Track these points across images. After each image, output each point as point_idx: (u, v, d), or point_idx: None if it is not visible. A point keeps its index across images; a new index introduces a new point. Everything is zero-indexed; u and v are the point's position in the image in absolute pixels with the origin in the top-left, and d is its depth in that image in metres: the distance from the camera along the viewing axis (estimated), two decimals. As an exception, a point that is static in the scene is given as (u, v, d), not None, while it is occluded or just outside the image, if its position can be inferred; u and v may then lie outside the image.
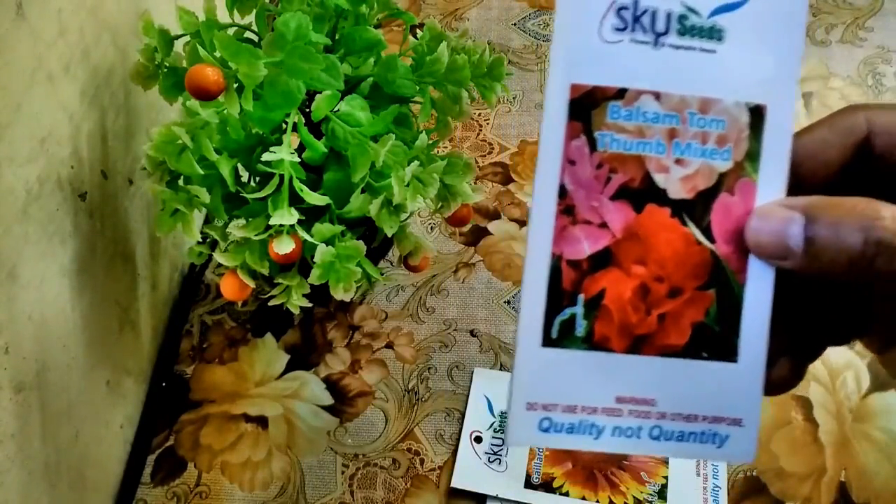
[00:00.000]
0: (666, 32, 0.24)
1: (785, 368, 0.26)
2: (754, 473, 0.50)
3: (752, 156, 0.25)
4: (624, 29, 0.24)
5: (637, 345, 0.25)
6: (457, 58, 0.44)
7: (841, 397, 0.53)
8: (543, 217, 0.25)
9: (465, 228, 0.62)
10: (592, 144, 0.25)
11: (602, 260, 0.25)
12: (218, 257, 0.44)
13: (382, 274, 0.49)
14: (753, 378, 0.26)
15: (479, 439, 0.51)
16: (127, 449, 0.52)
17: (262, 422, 0.53)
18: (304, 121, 0.43)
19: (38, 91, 0.39)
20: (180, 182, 0.44)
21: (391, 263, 0.61)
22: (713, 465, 0.50)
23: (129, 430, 0.52)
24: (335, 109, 0.42)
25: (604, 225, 0.25)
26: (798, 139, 0.26)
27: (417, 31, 0.47)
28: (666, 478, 0.49)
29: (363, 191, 0.43)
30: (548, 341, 0.25)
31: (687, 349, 0.25)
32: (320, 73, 0.40)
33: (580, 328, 0.25)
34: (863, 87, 0.71)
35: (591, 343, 0.25)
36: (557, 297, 0.25)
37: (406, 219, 0.45)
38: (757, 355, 0.25)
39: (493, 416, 0.53)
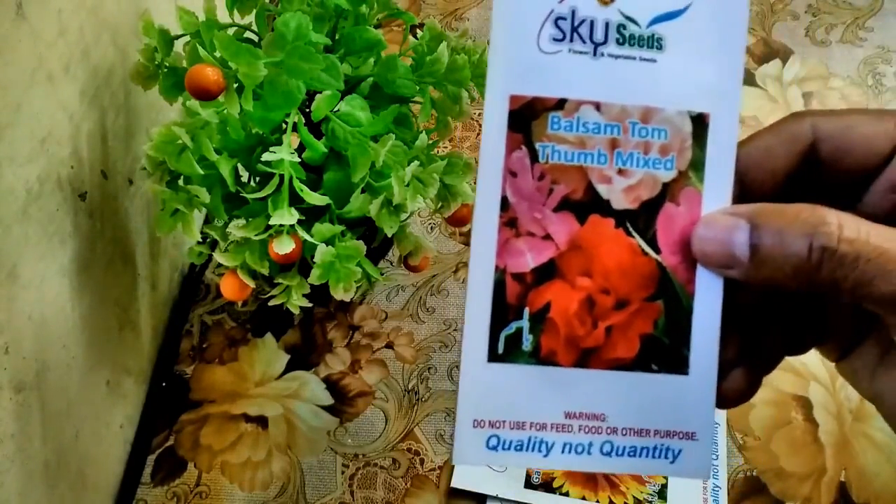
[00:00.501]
0: (605, 42, 0.24)
1: (739, 380, 0.26)
2: (754, 473, 0.50)
3: (697, 165, 0.25)
4: (562, 39, 0.24)
5: (585, 358, 0.25)
6: (457, 58, 0.44)
7: (841, 398, 0.53)
8: (486, 230, 0.24)
9: (465, 228, 0.62)
10: (534, 156, 0.24)
11: (547, 272, 0.25)
12: (218, 257, 0.44)
13: (382, 274, 0.49)
14: (705, 390, 0.25)
15: None
16: (127, 449, 0.52)
17: (262, 422, 0.53)
18: (304, 121, 0.43)
19: (38, 91, 0.39)
20: (180, 182, 0.44)
21: (391, 263, 0.61)
22: (713, 464, 0.50)
23: (129, 430, 0.52)
24: (335, 109, 0.42)
25: (548, 237, 0.25)
26: (743, 147, 0.25)
27: (417, 31, 0.47)
28: (666, 478, 0.49)
29: (363, 191, 0.43)
30: (494, 356, 0.24)
31: (636, 362, 0.25)
32: (320, 73, 0.40)
33: (526, 342, 0.24)
34: (863, 87, 0.71)
35: (538, 357, 0.25)
36: (502, 311, 0.24)
37: (406, 219, 0.45)
38: (708, 367, 0.25)
39: None
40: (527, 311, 0.25)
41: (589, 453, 0.25)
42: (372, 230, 0.47)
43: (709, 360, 0.25)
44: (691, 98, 0.25)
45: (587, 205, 0.25)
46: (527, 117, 0.24)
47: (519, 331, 0.24)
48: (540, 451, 0.25)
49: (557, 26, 0.24)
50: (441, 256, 0.61)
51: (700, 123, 0.25)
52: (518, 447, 0.25)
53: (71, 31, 0.42)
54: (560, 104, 0.24)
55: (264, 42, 0.40)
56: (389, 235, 0.44)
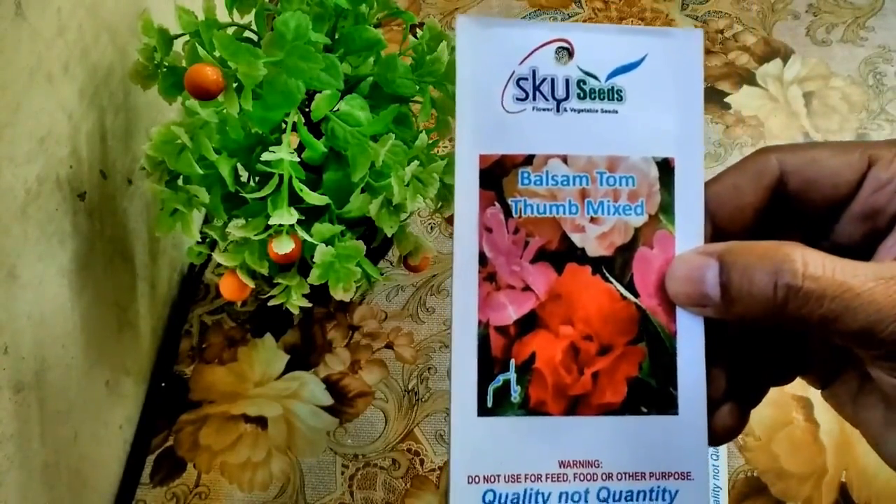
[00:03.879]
0: (566, 98, 0.25)
1: (727, 416, 0.26)
2: (755, 474, 0.50)
3: (666, 208, 0.25)
4: (525, 98, 0.25)
5: (574, 406, 0.25)
6: (457, 57, 0.44)
7: (842, 398, 0.53)
8: (466, 286, 0.25)
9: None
10: (507, 211, 0.25)
11: (529, 323, 0.25)
12: (217, 257, 0.43)
13: (382, 274, 0.48)
14: (696, 428, 0.25)
15: None
16: (126, 449, 0.52)
17: (261, 422, 0.53)
18: (303, 120, 0.42)
19: (38, 90, 0.39)
20: (179, 182, 0.43)
21: (391, 263, 0.61)
22: (713, 465, 0.50)
23: (128, 431, 0.52)
24: (335, 109, 0.42)
25: (527, 288, 0.25)
26: (710, 187, 0.26)
27: (417, 30, 0.47)
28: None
29: (363, 191, 0.42)
30: (483, 410, 0.25)
31: (625, 406, 0.25)
32: (320, 72, 0.40)
33: (515, 394, 0.25)
34: (863, 87, 0.71)
35: (528, 408, 0.25)
36: (488, 364, 0.25)
37: (406, 219, 0.45)
38: (697, 405, 0.25)
39: None
40: (513, 363, 0.25)
41: (586, 501, 0.25)
42: (372, 230, 0.47)
43: (697, 397, 0.25)
44: (655, 144, 0.25)
45: (563, 254, 0.25)
46: (497, 175, 0.25)
47: (506, 383, 0.25)
48: (537, 502, 0.25)
49: (519, 86, 0.25)
50: (441, 256, 0.61)
51: (666, 168, 0.25)
52: (515, 500, 0.25)
53: (70, 30, 0.42)
54: (528, 160, 0.25)
55: (264, 41, 0.40)
56: (389, 235, 0.43)
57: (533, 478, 0.25)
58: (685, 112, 0.25)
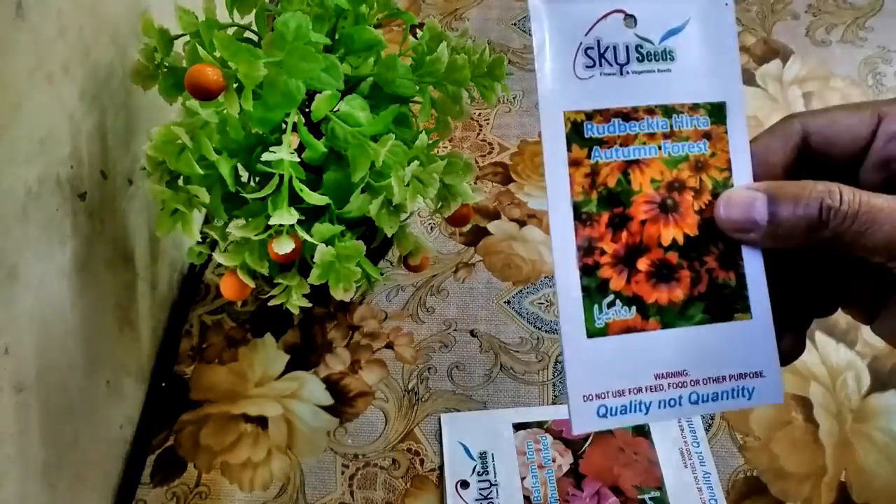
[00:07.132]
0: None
1: (790, 340, 0.31)
2: (755, 474, 0.50)
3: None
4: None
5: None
6: (457, 58, 0.44)
7: (841, 398, 0.53)
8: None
9: (465, 228, 0.62)
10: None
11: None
12: (217, 257, 0.44)
13: (382, 274, 0.49)
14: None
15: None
16: (126, 449, 0.52)
17: (261, 422, 0.53)
18: (303, 121, 0.42)
19: (38, 91, 0.39)
20: (180, 182, 0.44)
21: (391, 263, 0.61)
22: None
23: (128, 431, 0.52)
24: (335, 109, 0.42)
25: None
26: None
27: (417, 30, 0.47)
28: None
29: (363, 191, 0.43)
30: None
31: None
32: (320, 72, 0.40)
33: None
34: (863, 87, 0.71)
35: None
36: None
37: (406, 219, 0.45)
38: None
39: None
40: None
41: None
42: (372, 230, 0.47)
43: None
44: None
45: None
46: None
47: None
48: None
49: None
50: (441, 256, 0.61)
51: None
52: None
53: (70, 30, 0.42)
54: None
55: (264, 42, 0.40)
56: (389, 235, 0.44)
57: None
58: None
